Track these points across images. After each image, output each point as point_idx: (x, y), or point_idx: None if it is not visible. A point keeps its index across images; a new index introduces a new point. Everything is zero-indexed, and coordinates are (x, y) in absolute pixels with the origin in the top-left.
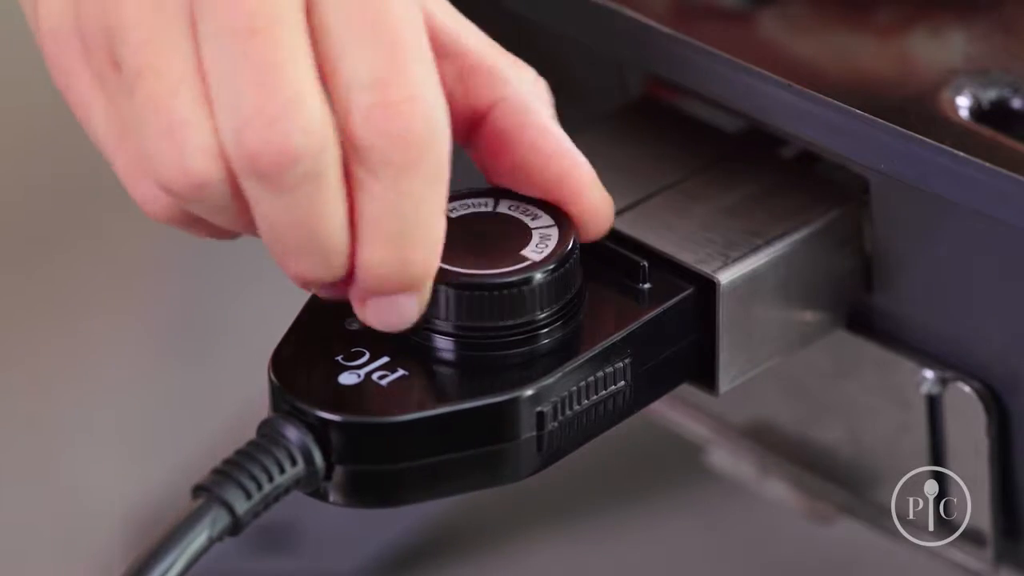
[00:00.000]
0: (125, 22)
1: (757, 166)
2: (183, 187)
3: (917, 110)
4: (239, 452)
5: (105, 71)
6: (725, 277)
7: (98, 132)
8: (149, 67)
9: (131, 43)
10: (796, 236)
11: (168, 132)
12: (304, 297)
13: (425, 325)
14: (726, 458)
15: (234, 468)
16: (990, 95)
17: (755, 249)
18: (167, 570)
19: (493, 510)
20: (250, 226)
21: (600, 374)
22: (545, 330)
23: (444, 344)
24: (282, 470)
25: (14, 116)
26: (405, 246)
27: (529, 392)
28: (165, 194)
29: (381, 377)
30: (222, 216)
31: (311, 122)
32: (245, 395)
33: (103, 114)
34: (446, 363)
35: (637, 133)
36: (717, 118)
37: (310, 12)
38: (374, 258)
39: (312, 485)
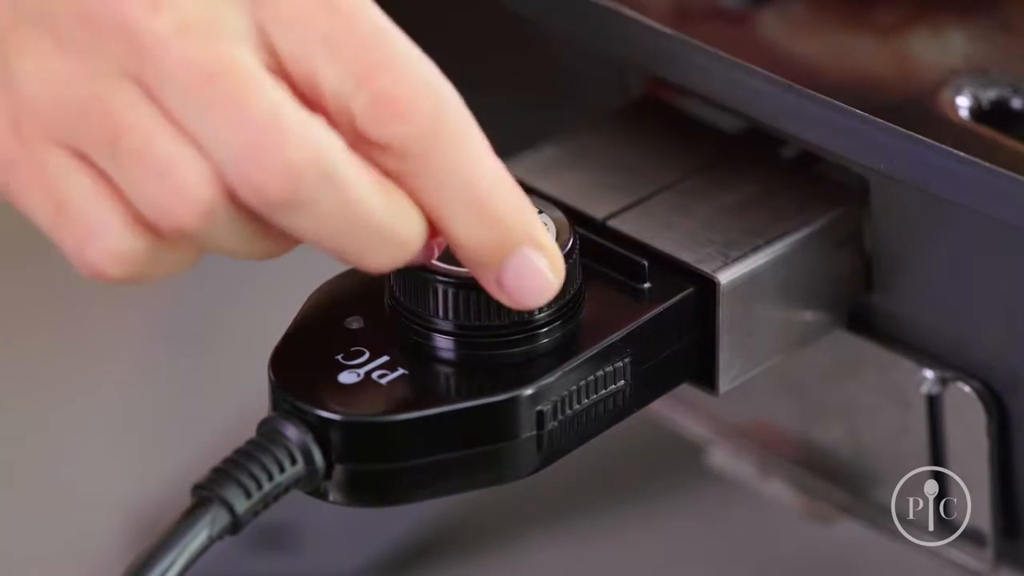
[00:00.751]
0: (76, 102)
1: (757, 166)
2: (194, 219)
3: (917, 110)
4: (239, 451)
5: (42, 153)
6: (725, 277)
7: (38, 216)
8: (123, 128)
9: (93, 117)
10: (796, 236)
11: (163, 174)
12: (303, 297)
13: (425, 324)
14: (726, 458)
15: (234, 467)
16: (990, 95)
17: (755, 249)
18: (167, 569)
19: (493, 510)
20: (265, 245)
21: (600, 373)
22: (545, 329)
23: (444, 343)
24: (282, 469)
25: None
26: (484, 205)
27: (529, 391)
28: (177, 236)
29: (381, 376)
30: (236, 239)
31: (296, 133)
32: (245, 395)
33: (40, 197)
34: (446, 362)
35: (637, 133)
36: (717, 118)
37: (266, 41)
38: (465, 232)
39: (312, 484)
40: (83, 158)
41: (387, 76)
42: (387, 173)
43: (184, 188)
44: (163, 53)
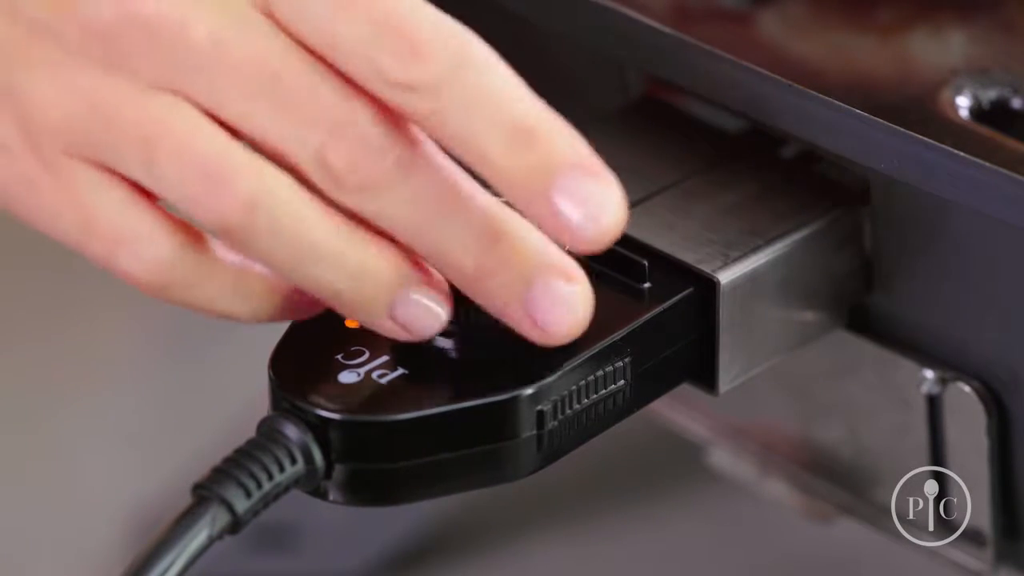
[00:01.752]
0: (99, 114)
1: (757, 166)
2: (238, 214)
3: (917, 110)
4: (239, 451)
5: (68, 169)
6: (725, 277)
7: (69, 230)
8: (158, 132)
9: (122, 126)
10: (796, 236)
11: (204, 172)
12: None
13: None
14: (726, 458)
15: (234, 467)
16: (990, 95)
17: (755, 249)
18: (167, 568)
19: (493, 510)
20: (317, 246)
21: (600, 373)
22: None
23: (444, 343)
24: (282, 468)
25: None
26: (521, 125)
27: (529, 391)
28: (221, 239)
29: (381, 375)
30: (288, 233)
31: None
32: (245, 395)
33: (68, 214)
34: (446, 362)
35: (637, 133)
36: (717, 118)
37: (276, 19)
38: (505, 158)
39: (312, 484)
40: (111, 171)
41: (405, 21)
42: (419, 121)
43: (228, 178)
44: (207, 62)
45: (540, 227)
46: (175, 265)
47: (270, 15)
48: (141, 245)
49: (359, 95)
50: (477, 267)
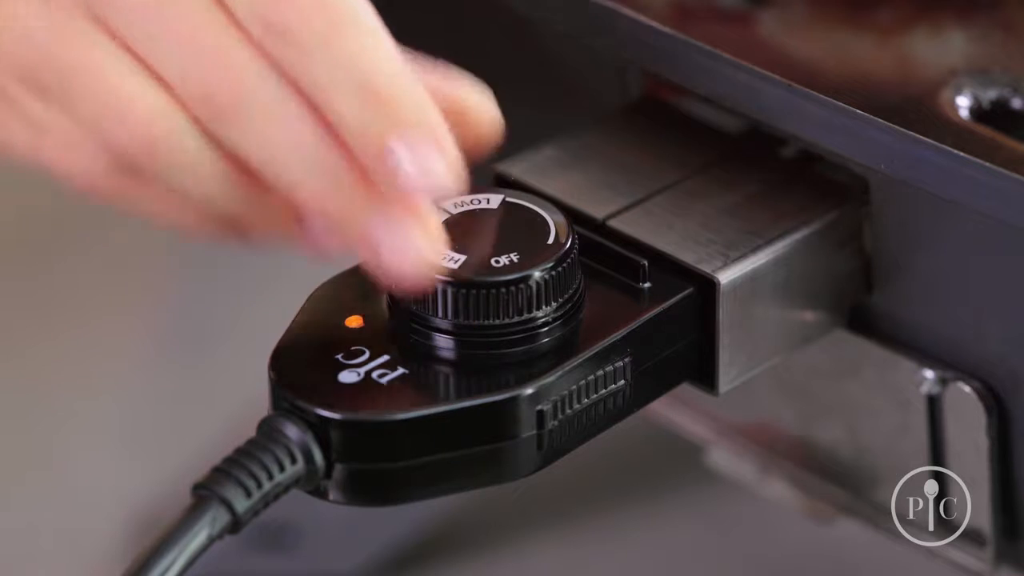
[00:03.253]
0: (34, 42)
1: (757, 166)
2: (139, 143)
3: (917, 110)
4: (239, 450)
5: (13, 91)
6: (725, 277)
7: (18, 143)
8: (70, 66)
9: (48, 60)
10: (796, 236)
11: (108, 99)
12: (303, 297)
13: (424, 323)
14: (726, 458)
15: (234, 466)
16: (990, 95)
17: (755, 249)
18: (167, 568)
19: (494, 510)
20: (210, 183)
21: (600, 373)
22: (545, 328)
23: (444, 342)
24: (282, 468)
25: None
26: (376, 88)
27: (529, 391)
28: (133, 164)
29: (381, 375)
30: (186, 169)
31: (246, 55)
32: (245, 395)
33: (21, 127)
34: (446, 361)
35: (637, 133)
36: (717, 118)
37: None
38: (351, 113)
39: (312, 483)
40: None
41: None
42: (282, 67)
43: (132, 111)
44: None
45: (371, 170)
46: (112, 178)
47: None
48: (84, 153)
49: (239, 32)
50: (319, 202)
